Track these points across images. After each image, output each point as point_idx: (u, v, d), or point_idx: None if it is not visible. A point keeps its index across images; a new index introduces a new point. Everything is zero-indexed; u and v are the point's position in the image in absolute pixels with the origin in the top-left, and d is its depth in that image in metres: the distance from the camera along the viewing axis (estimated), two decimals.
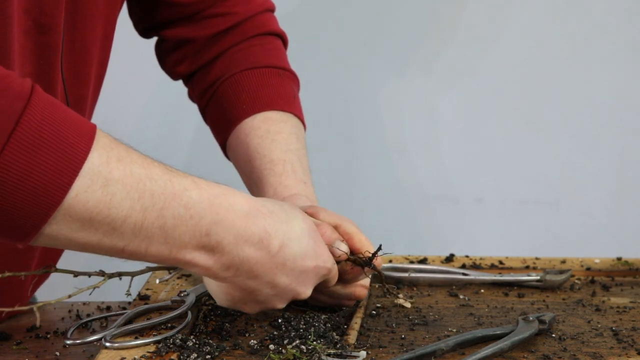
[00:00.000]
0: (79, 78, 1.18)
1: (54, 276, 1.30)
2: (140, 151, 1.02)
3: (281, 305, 1.06)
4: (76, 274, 1.06)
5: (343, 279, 1.11)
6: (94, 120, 1.33)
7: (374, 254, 1.11)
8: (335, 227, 1.13)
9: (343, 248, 1.10)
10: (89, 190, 0.89)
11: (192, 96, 1.38)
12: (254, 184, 1.27)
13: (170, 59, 1.35)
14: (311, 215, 1.13)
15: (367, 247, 1.12)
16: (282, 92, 1.32)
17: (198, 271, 1.01)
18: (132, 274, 1.13)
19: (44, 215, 0.88)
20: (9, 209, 0.87)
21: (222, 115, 1.31)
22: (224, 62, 1.32)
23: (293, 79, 1.36)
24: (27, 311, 1.24)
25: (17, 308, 1.00)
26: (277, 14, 1.40)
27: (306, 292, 1.06)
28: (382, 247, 1.11)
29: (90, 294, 1.08)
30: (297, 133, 1.30)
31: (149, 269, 1.21)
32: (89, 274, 1.07)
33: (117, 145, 0.94)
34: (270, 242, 0.99)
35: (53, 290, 1.51)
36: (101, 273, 1.06)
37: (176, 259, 0.97)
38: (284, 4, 2.14)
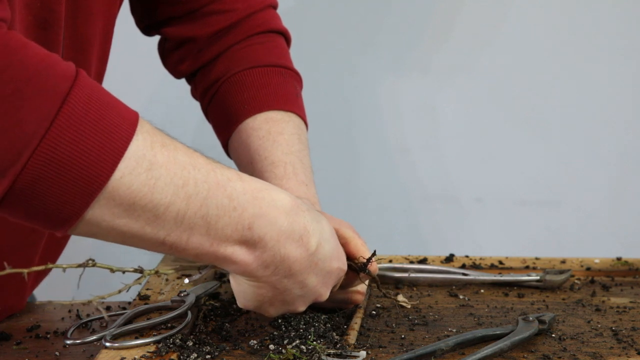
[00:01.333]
0: None
1: (53, 274, 1.31)
2: None
3: (303, 307, 1.05)
4: (114, 269, 1.00)
5: (339, 284, 1.11)
6: None
7: (368, 260, 1.10)
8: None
9: None
10: (133, 173, 0.87)
11: (195, 95, 1.38)
12: None
13: (173, 58, 1.35)
14: None
15: (362, 252, 1.11)
16: (284, 91, 1.31)
17: (235, 269, 0.98)
18: (168, 273, 1.10)
19: (88, 197, 0.86)
20: (53, 190, 0.85)
21: (224, 115, 1.31)
22: (225, 61, 1.31)
23: (295, 77, 1.34)
24: (26, 311, 1.24)
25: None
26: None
27: (326, 294, 1.05)
28: (376, 253, 1.11)
29: (127, 291, 1.05)
30: (298, 133, 1.29)
31: (182, 267, 1.21)
32: (125, 270, 1.03)
33: (160, 132, 0.93)
34: (310, 240, 0.98)
35: (52, 289, 1.51)
36: (139, 269, 1.03)
37: (216, 253, 0.95)
38: (282, 2, 2.14)
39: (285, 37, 1.37)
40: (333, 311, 1.16)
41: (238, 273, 1.00)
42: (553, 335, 1.09)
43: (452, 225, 2.30)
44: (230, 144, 1.31)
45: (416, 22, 2.22)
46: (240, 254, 0.96)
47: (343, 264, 1.06)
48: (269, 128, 1.27)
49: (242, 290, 1.03)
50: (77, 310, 1.24)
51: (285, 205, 0.97)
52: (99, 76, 1.24)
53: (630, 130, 2.24)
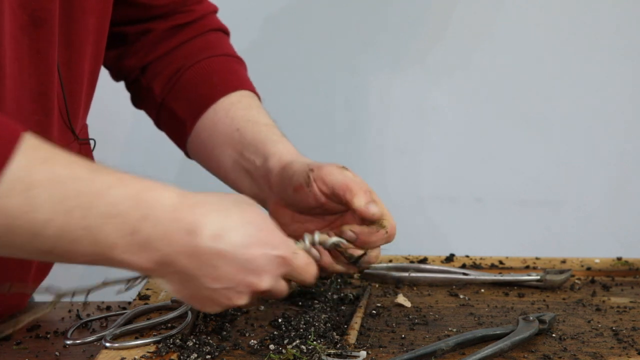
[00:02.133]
0: (73, 73, 1.18)
1: (52, 276, 1.30)
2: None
3: (241, 300, 1.01)
4: (126, 282, 1.03)
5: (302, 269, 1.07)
6: (90, 118, 1.33)
7: (360, 257, 1.10)
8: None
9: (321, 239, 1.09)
10: (10, 195, 0.89)
11: (142, 92, 1.37)
12: (248, 146, 1.25)
13: (123, 53, 1.36)
14: (317, 168, 1.14)
15: (387, 215, 1.14)
16: (246, 77, 1.36)
17: (135, 271, 0.99)
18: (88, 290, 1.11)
19: None
20: None
21: (193, 98, 1.32)
22: (185, 51, 1.34)
23: (246, 67, 1.39)
24: (26, 311, 1.24)
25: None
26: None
27: (262, 282, 1.01)
28: (367, 253, 1.11)
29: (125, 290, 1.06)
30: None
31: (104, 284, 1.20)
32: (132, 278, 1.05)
33: (43, 147, 0.93)
34: (201, 232, 0.96)
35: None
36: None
37: (108, 260, 0.96)
38: (280, 2, 2.15)
39: (228, 35, 1.42)
40: (334, 311, 1.16)
41: (141, 274, 1.01)
42: (553, 335, 1.09)
43: (452, 225, 2.30)
44: (202, 124, 1.31)
45: (417, 21, 2.21)
46: (132, 257, 0.96)
47: (273, 249, 1.01)
48: (248, 102, 1.30)
49: (168, 289, 1.03)
50: (77, 310, 1.24)
51: (169, 203, 0.96)
52: (93, 74, 1.24)
53: (630, 130, 2.24)
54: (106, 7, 1.22)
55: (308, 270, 1.04)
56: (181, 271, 0.98)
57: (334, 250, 1.11)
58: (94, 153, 1.33)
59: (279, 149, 1.23)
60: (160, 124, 1.36)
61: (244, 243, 0.99)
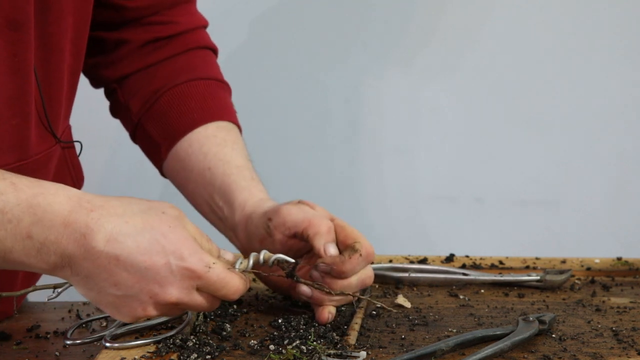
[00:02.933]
0: (52, 75, 1.16)
1: (44, 276, 1.30)
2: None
3: (147, 310, 1.00)
4: (54, 287, 1.06)
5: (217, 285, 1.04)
6: (80, 119, 1.32)
7: (295, 266, 1.08)
8: (332, 219, 1.14)
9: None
10: None
11: (119, 107, 1.35)
12: (218, 190, 1.25)
13: (100, 62, 1.33)
14: (309, 206, 1.14)
15: (359, 237, 1.12)
16: (227, 104, 1.33)
17: (39, 272, 1.00)
18: (15, 295, 1.12)
19: None
20: None
21: (168, 124, 1.30)
22: (166, 70, 1.31)
23: (229, 92, 1.36)
24: (26, 311, 1.24)
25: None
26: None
27: (167, 294, 0.99)
28: (298, 263, 1.10)
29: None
30: (244, 144, 1.30)
31: (34, 289, 1.20)
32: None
33: None
34: (94, 237, 0.96)
35: (48, 290, 1.51)
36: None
37: (9, 262, 0.97)
38: (268, 2, 2.14)
39: (215, 53, 1.39)
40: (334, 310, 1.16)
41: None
42: (553, 335, 1.09)
43: (452, 225, 2.30)
44: (176, 153, 1.30)
45: (417, 20, 2.21)
46: (30, 260, 0.96)
47: (178, 259, 0.98)
48: (224, 136, 1.28)
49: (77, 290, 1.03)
50: (77, 310, 1.24)
51: (63, 207, 0.96)
52: (75, 74, 1.22)
53: (630, 130, 2.24)
54: (85, 6, 1.19)
55: (226, 285, 1.01)
56: (81, 274, 0.98)
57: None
58: (82, 155, 1.32)
59: (244, 198, 1.22)
60: (136, 140, 1.35)
61: (142, 250, 0.97)
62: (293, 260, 1.08)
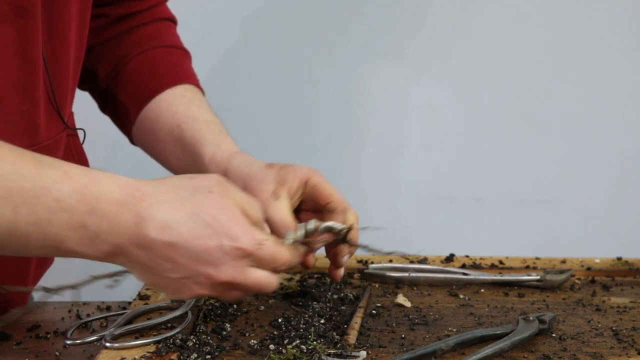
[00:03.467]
0: (58, 61, 1.18)
1: (52, 272, 1.31)
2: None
3: (203, 290, 1.01)
4: (112, 276, 1.04)
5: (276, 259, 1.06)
6: (77, 108, 1.33)
7: (348, 231, 1.11)
8: (305, 183, 1.16)
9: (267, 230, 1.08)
10: None
11: (86, 75, 1.36)
12: (188, 146, 1.27)
13: None
14: (277, 175, 1.16)
15: (331, 195, 1.16)
16: (191, 71, 1.36)
17: (92, 260, 1.00)
18: (74, 287, 1.12)
19: None
20: None
21: (136, 88, 1.33)
22: (132, 39, 1.34)
23: (191, 60, 1.40)
24: (26, 311, 1.24)
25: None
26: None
27: (221, 274, 1.00)
28: (352, 227, 1.13)
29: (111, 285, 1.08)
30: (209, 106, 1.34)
31: (92, 278, 1.21)
32: (85, 284, 1.08)
33: None
34: (146, 226, 0.97)
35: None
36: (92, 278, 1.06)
37: (62, 251, 0.97)
38: (260, 1, 2.14)
39: (175, 24, 1.42)
40: (334, 310, 1.16)
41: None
42: (553, 335, 1.09)
43: (452, 225, 2.29)
44: (145, 115, 1.32)
45: (418, 20, 2.21)
46: (84, 249, 0.97)
47: (231, 240, 1.00)
48: (191, 96, 1.31)
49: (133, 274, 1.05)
50: (77, 310, 1.24)
51: (114, 197, 0.97)
52: (78, 61, 1.24)
53: (630, 130, 2.24)
54: None
55: (277, 259, 1.02)
56: (135, 261, 0.99)
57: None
58: (86, 147, 1.33)
59: (213, 152, 1.24)
60: (104, 108, 1.37)
61: (195, 234, 0.99)
62: (342, 226, 1.11)
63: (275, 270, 1.03)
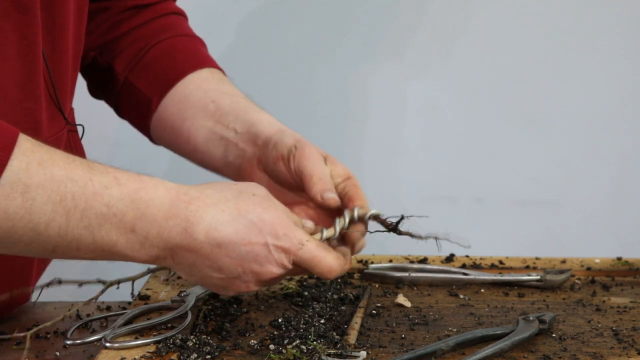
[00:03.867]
0: (58, 57, 1.18)
1: (52, 271, 1.31)
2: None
3: (252, 286, 1.05)
4: (80, 283, 1.11)
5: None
6: (78, 107, 1.33)
7: (399, 221, 1.14)
8: (348, 176, 1.20)
9: (308, 224, 1.11)
10: (9, 198, 0.93)
11: (101, 73, 1.35)
12: (227, 115, 1.26)
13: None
14: (328, 155, 1.18)
15: (364, 201, 1.17)
16: (210, 56, 1.36)
17: (142, 263, 1.03)
18: (133, 279, 1.14)
19: None
20: None
21: (159, 75, 1.32)
22: (147, 31, 1.34)
23: (207, 47, 1.39)
24: (26, 311, 1.24)
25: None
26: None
27: (268, 271, 1.04)
28: (404, 217, 1.16)
29: (95, 302, 1.12)
30: None
31: (149, 271, 1.22)
32: (90, 282, 1.11)
33: (40, 148, 0.97)
34: (195, 229, 1.01)
35: (53, 291, 1.51)
36: (101, 281, 1.10)
37: (112, 255, 1.00)
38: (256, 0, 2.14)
39: (186, 19, 1.42)
40: (334, 310, 1.16)
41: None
42: (553, 335, 1.09)
43: (452, 225, 2.29)
44: (172, 97, 1.31)
45: (418, 20, 2.21)
46: (133, 253, 1.01)
47: (274, 238, 1.03)
48: (220, 77, 1.32)
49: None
50: (77, 310, 1.23)
51: (163, 202, 1.00)
52: (77, 56, 1.24)
53: (630, 130, 2.24)
54: None
55: (318, 263, 1.06)
56: (183, 263, 1.02)
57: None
58: (86, 141, 1.33)
59: (265, 117, 1.24)
60: (121, 107, 1.35)
61: (241, 235, 1.02)
62: (384, 215, 1.14)
63: (318, 274, 1.07)
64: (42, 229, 0.96)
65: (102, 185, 0.98)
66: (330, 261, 1.07)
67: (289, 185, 1.19)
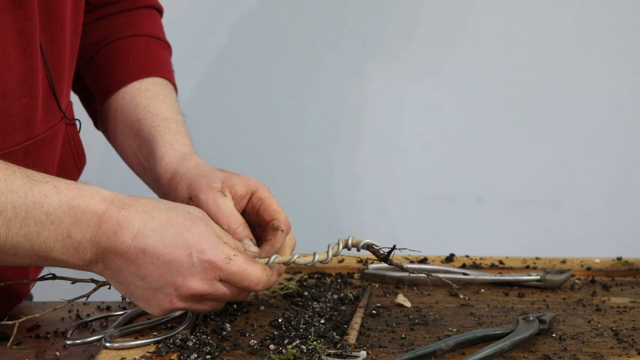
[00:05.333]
0: (56, 51, 1.18)
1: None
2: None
3: (174, 303, 1.04)
4: (74, 281, 1.11)
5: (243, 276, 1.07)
6: (77, 104, 1.33)
7: (390, 251, 1.10)
8: (251, 194, 1.16)
9: (252, 249, 1.11)
10: None
11: None
12: (144, 141, 1.28)
13: None
14: (226, 178, 1.16)
15: (277, 212, 1.15)
16: (165, 62, 1.37)
17: (74, 268, 1.04)
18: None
19: None
20: None
21: (105, 76, 1.33)
22: (110, 24, 1.34)
23: (169, 50, 1.40)
24: (26, 311, 1.24)
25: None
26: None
27: (190, 285, 1.03)
28: (395, 247, 1.11)
29: (86, 300, 1.12)
30: (177, 101, 1.34)
31: None
32: (83, 280, 1.12)
33: None
34: (123, 233, 1.02)
35: (51, 288, 1.51)
36: (94, 281, 1.10)
37: (48, 260, 1.02)
38: (250, 4, 2.14)
39: (160, 13, 1.42)
40: (334, 311, 1.16)
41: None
42: (553, 335, 1.09)
43: (452, 225, 2.29)
44: (109, 105, 1.33)
45: (419, 22, 2.22)
46: (69, 259, 1.02)
47: (200, 252, 1.03)
48: (157, 90, 1.32)
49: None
50: (77, 310, 1.23)
51: (98, 207, 1.02)
52: (74, 50, 1.24)
53: (630, 130, 2.24)
54: None
55: (247, 276, 1.05)
56: (112, 268, 1.03)
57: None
58: (85, 137, 1.34)
59: (166, 151, 1.25)
60: (74, 89, 1.37)
61: (166, 243, 1.03)
62: (379, 245, 1.11)
63: (247, 288, 1.06)
64: None
65: (42, 194, 1.00)
66: (258, 273, 1.06)
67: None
